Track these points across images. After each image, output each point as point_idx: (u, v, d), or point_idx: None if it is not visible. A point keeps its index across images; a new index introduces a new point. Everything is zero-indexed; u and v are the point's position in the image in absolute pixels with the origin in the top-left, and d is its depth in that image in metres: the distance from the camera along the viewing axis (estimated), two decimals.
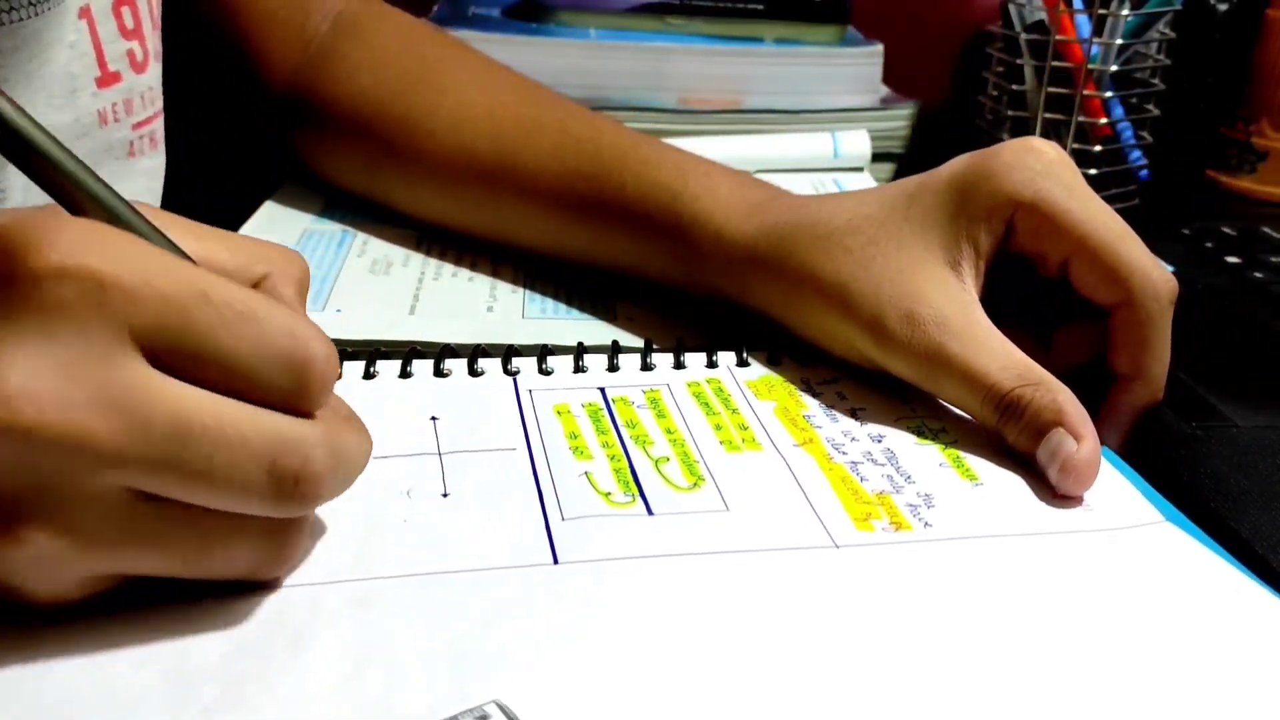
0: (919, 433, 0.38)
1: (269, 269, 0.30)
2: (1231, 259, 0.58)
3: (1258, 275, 0.56)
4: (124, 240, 0.25)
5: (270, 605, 0.28)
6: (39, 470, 0.23)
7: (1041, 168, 0.39)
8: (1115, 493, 0.35)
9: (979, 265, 0.39)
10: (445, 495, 0.33)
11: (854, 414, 0.39)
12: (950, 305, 0.37)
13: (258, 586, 0.28)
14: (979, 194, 0.39)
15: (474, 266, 0.51)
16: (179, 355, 0.25)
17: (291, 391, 0.26)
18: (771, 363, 0.42)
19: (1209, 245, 0.60)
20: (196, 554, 0.26)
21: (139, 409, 0.24)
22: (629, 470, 0.35)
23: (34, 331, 0.23)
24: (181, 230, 0.29)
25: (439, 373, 0.40)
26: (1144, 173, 0.69)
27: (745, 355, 0.42)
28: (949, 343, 0.37)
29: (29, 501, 0.24)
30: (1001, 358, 0.36)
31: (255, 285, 0.30)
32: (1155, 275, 0.39)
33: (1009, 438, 0.36)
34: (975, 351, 0.36)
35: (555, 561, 0.31)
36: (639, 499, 0.34)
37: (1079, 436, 0.34)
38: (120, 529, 0.25)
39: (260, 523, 0.27)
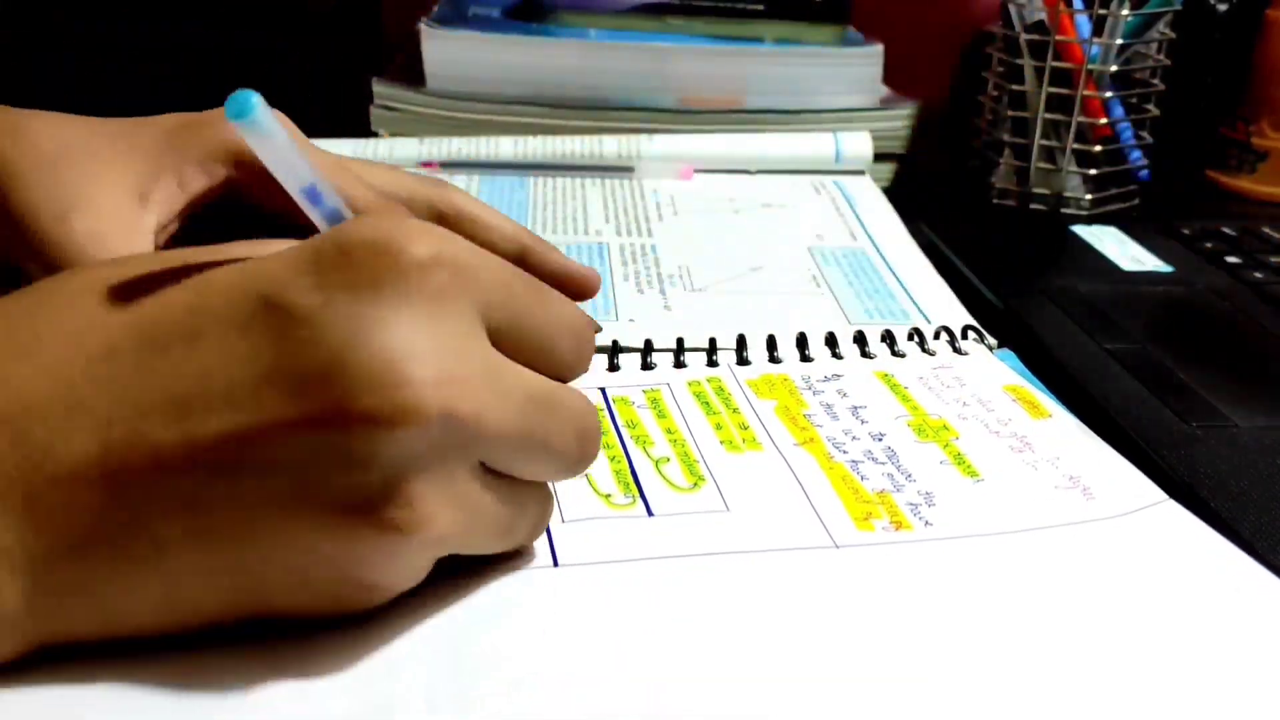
0: (920, 430, 0.38)
1: (437, 203, 0.35)
2: (1231, 259, 0.58)
3: (1258, 275, 0.56)
4: (448, 232, 0.26)
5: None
6: (443, 446, 0.24)
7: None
8: (1115, 475, 0.35)
9: (175, 204, 0.36)
10: None
11: (855, 412, 0.39)
12: (113, 223, 0.35)
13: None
14: (197, 136, 0.37)
15: None
16: (505, 331, 0.27)
17: (573, 359, 0.29)
18: (772, 361, 0.42)
19: (1209, 245, 0.60)
20: (510, 526, 0.28)
21: (510, 383, 0.26)
22: (629, 471, 0.35)
23: (426, 318, 0.24)
24: (319, 157, 0.32)
25: None
26: (1144, 173, 0.69)
27: (746, 353, 0.42)
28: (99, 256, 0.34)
29: (427, 474, 0.24)
30: None
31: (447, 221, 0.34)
32: (373, 196, 0.37)
33: None
34: None
35: (555, 564, 0.31)
36: (639, 500, 0.34)
37: None
38: (476, 503, 0.26)
39: (543, 491, 0.29)
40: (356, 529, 0.24)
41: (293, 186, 0.28)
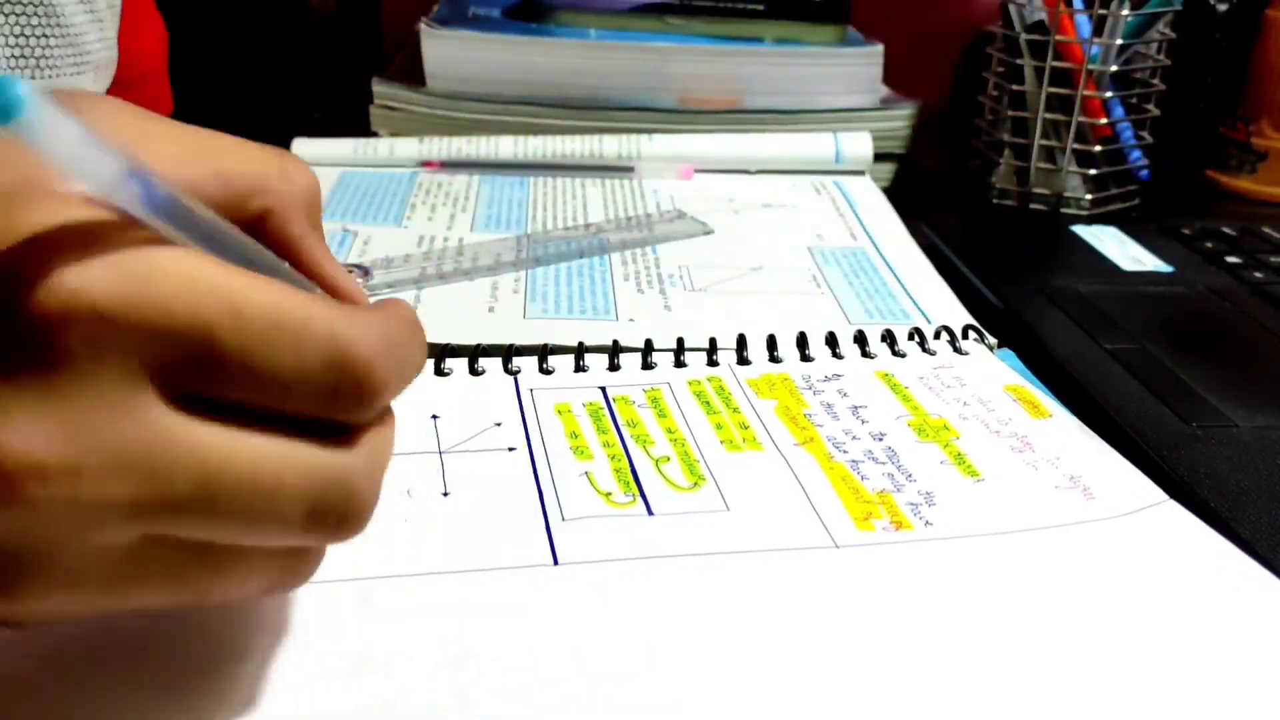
0: (920, 430, 0.38)
1: (267, 201, 0.25)
2: (1231, 259, 0.58)
3: (1258, 275, 0.56)
4: (131, 250, 0.21)
5: (268, 605, 0.28)
6: (40, 537, 0.21)
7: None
8: (1115, 475, 0.35)
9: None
10: (445, 494, 0.33)
11: (855, 412, 0.39)
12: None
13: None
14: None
15: (475, 266, 0.51)
16: (204, 384, 0.21)
17: (341, 407, 0.23)
18: (773, 361, 0.42)
19: (1209, 245, 0.60)
20: (209, 586, 0.24)
21: (159, 464, 0.21)
22: (629, 470, 0.35)
23: (35, 389, 0.20)
24: (158, 147, 0.24)
25: (440, 372, 0.40)
26: (1144, 173, 0.69)
27: (746, 353, 0.42)
28: None
29: (25, 563, 0.21)
30: None
31: (256, 226, 0.26)
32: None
33: None
34: None
35: (555, 562, 0.31)
36: (639, 499, 0.34)
37: None
38: (125, 576, 0.22)
39: (281, 550, 0.24)
40: None
41: (103, 184, 0.20)
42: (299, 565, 0.25)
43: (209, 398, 0.22)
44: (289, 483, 0.22)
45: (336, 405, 0.23)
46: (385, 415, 0.25)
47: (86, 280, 0.20)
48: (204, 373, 0.21)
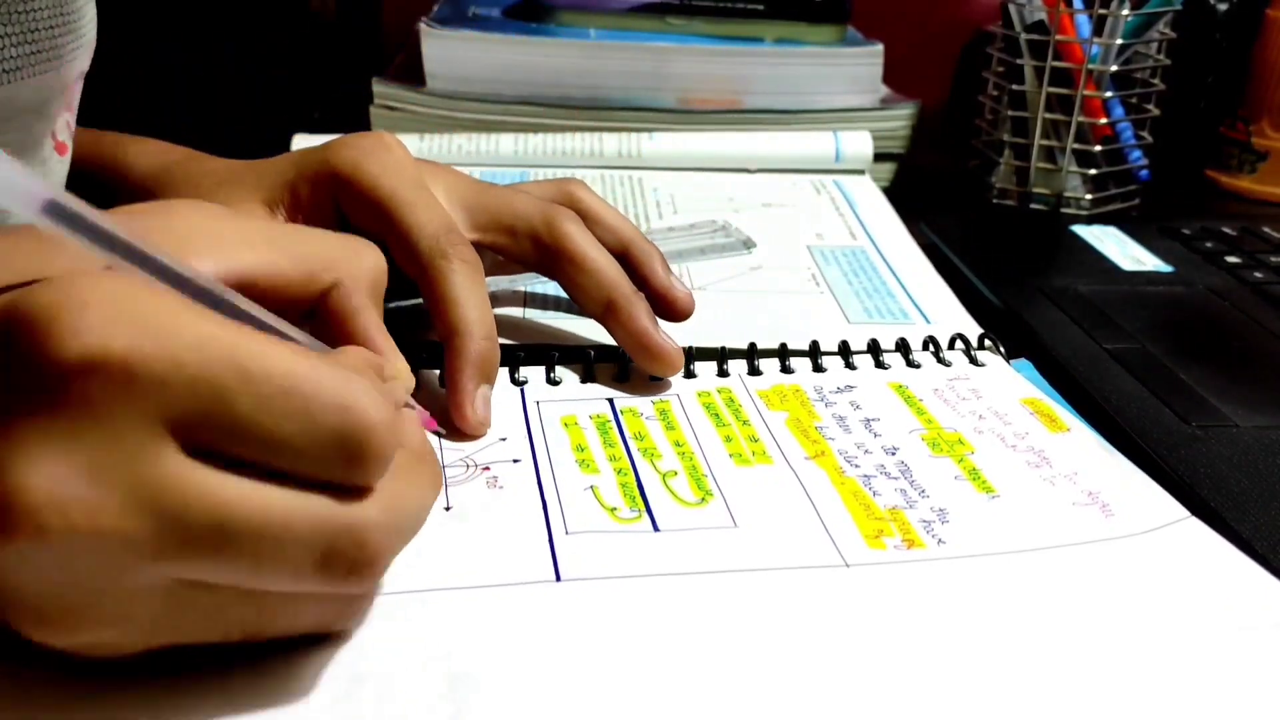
0: (934, 444, 0.37)
1: (336, 275, 0.28)
2: (1231, 259, 0.58)
3: (1258, 275, 0.56)
4: (152, 306, 0.23)
5: None
6: (77, 573, 0.22)
7: (369, 147, 0.40)
8: (1135, 491, 0.35)
9: (297, 216, 0.40)
10: (448, 509, 0.33)
11: (868, 425, 0.39)
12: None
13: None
14: (311, 159, 0.40)
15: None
16: (217, 440, 0.23)
17: (344, 466, 0.24)
18: (784, 371, 0.42)
19: (1209, 245, 0.60)
20: (256, 624, 0.25)
21: (174, 507, 0.22)
22: (636, 484, 0.35)
23: (60, 432, 0.22)
24: (236, 237, 0.28)
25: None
26: (1144, 173, 0.69)
27: (757, 363, 0.42)
28: None
29: (72, 600, 0.23)
30: None
31: (322, 297, 0.29)
32: (428, 230, 0.38)
33: None
34: None
35: (558, 579, 0.30)
36: (645, 514, 0.33)
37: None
38: (172, 613, 0.24)
39: (293, 598, 0.25)
40: None
41: (27, 210, 0.22)
42: (346, 605, 0.27)
43: (224, 453, 0.23)
44: (297, 530, 0.23)
45: (343, 468, 0.24)
46: (414, 473, 0.27)
47: (108, 334, 0.22)
48: (216, 429, 0.23)
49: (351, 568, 0.24)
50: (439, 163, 0.45)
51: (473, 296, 0.37)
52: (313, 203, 0.40)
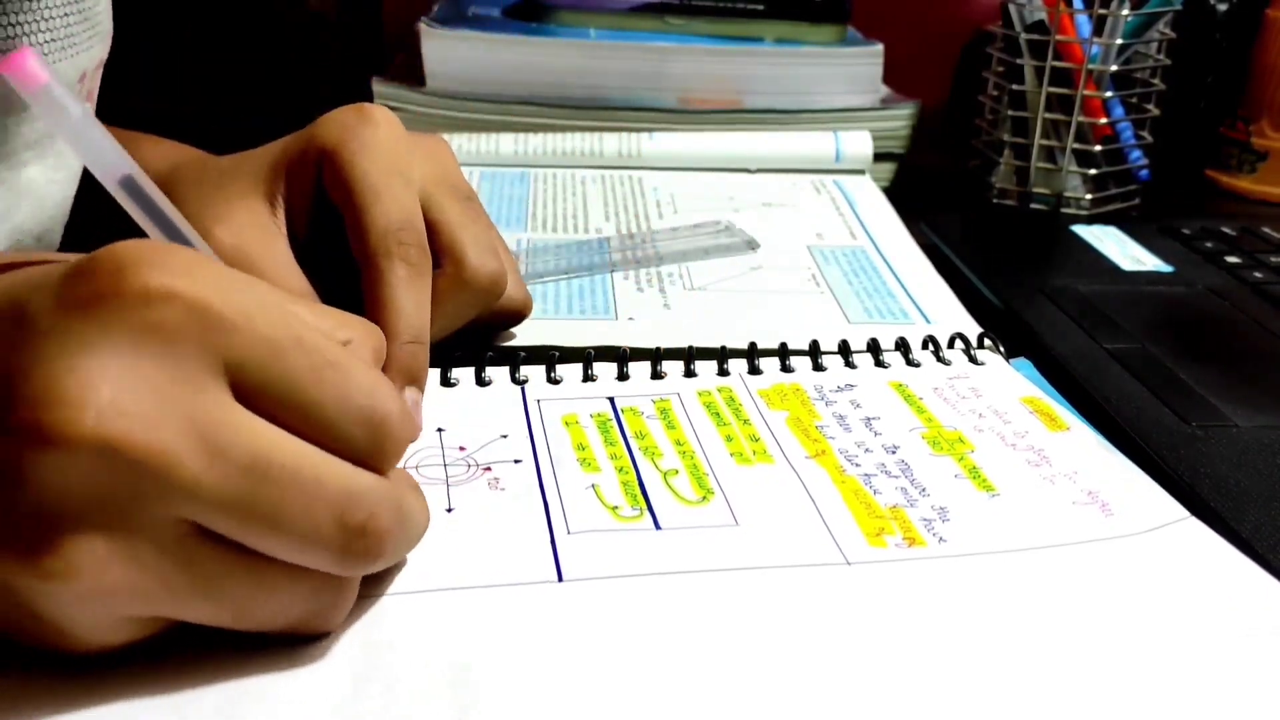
0: (935, 443, 0.37)
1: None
2: (1231, 259, 0.58)
3: (1257, 275, 0.56)
4: (229, 272, 0.25)
5: None
6: (111, 487, 0.23)
7: (354, 122, 0.39)
8: (1135, 491, 0.35)
9: (297, 204, 0.40)
10: (449, 510, 0.33)
11: (868, 424, 0.39)
12: (251, 230, 0.39)
13: (301, 640, 0.27)
14: (298, 138, 0.40)
15: None
16: (264, 394, 0.25)
17: (366, 448, 0.26)
18: (784, 370, 0.42)
19: (1209, 245, 0.60)
20: (248, 603, 0.25)
21: (221, 440, 0.24)
22: (637, 483, 0.35)
23: (131, 348, 0.23)
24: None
25: (446, 382, 0.40)
26: (1144, 173, 0.69)
27: (757, 362, 0.42)
28: (239, 265, 0.36)
29: (90, 516, 0.23)
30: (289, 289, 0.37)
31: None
32: (380, 225, 0.37)
33: None
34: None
35: (560, 578, 0.30)
36: (647, 513, 0.33)
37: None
38: (176, 566, 0.24)
39: (315, 574, 0.26)
40: (6, 558, 0.23)
41: (107, 178, 0.28)
42: (334, 596, 0.27)
43: (265, 411, 0.25)
44: (327, 484, 0.25)
45: (365, 445, 0.26)
46: (414, 491, 0.29)
47: (191, 277, 0.24)
48: (266, 383, 0.25)
49: (364, 534, 0.25)
50: (436, 137, 0.45)
51: (407, 299, 0.37)
52: (300, 187, 0.40)
